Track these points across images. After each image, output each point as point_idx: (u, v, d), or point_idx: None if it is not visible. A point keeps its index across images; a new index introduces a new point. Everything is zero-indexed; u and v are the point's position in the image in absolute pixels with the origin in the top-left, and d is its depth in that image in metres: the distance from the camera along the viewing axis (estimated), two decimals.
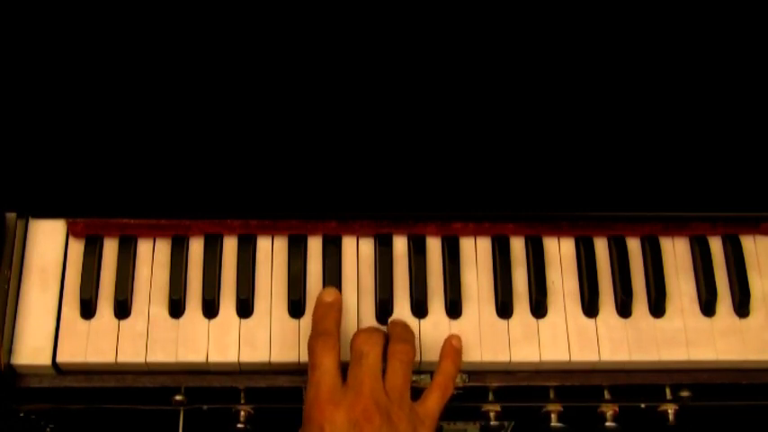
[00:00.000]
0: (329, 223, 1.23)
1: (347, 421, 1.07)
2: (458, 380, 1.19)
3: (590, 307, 1.22)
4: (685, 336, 1.21)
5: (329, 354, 1.11)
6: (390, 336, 1.16)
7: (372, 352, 1.11)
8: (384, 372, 1.12)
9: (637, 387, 1.22)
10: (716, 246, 1.25)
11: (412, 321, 1.21)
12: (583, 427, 1.26)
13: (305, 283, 1.21)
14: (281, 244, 1.23)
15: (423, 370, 1.19)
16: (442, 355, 1.17)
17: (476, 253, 1.24)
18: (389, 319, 1.19)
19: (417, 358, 1.18)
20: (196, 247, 1.22)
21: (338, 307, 1.17)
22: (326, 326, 1.14)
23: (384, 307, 1.21)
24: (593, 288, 1.21)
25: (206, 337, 1.19)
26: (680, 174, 1.25)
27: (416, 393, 1.16)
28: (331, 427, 1.07)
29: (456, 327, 1.20)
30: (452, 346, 1.17)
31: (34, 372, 1.18)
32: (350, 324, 1.20)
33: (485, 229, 1.24)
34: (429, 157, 1.25)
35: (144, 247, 1.22)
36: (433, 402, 1.14)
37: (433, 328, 1.20)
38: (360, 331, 1.14)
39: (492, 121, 1.27)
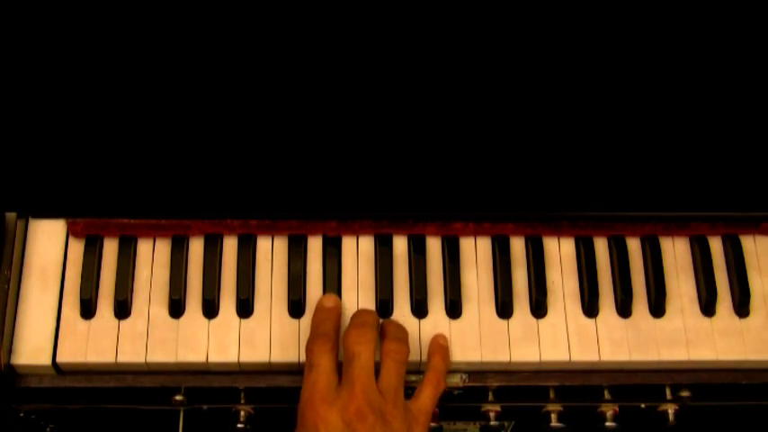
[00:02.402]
0: (329, 223, 1.23)
1: (341, 421, 1.07)
2: (458, 380, 1.19)
3: (590, 307, 1.22)
4: (685, 336, 1.21)
5: (326, 355, 1.12)
6: (384, 334, 1.16)
7: (365, 351, 1.11)
8: (378, 370, 1.12)
9: (637, 387, 1.22)
10: (716, 246, 1.25)
11: (412, 321, 1.21)
12: (583, 427, 1.26)
13: (305, 283, 1.21)
14: (281, 244, 1.23)
15: (422, 370, 1.19)
16: (430, 353, 1.18)
17: (476, 253, 1.24)
18: (383, 320, 1.19)
19: (417, 358, 1.18)
20: (196, 247, 1.22)
21: (338, 312, 1.18)
22: (325, 329, 1.15)
23: (384, 307, 1.21)
24: (593, 288, 1.21)
25: (206, 337, 1.19)
26: (680, 174, 1.25)
27: (412, 392, 1.16)
28: (325, 426, 1.07)
29: (456, 327, 1.21)
30: (439, 344, 1.18)
31: (34, 372, 1.18)
32: None
33: (485, 229, 1.24)
34: (429, 157, 1.25)
35: (144, 247, 1.22)
36: (426, 399, 1.14)
37: (433, 328, 1.20)
38: (351, 329, 1.14)
39: (492, 121, 1.27)
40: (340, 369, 1.13)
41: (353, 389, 1.09)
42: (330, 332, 1.14)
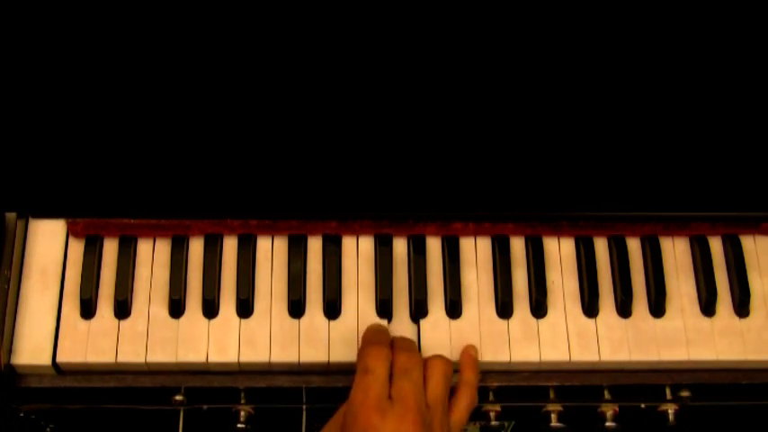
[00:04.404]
0: (329, 223, 1.23)
1: None
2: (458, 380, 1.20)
3: (590, 307, 1.22)
4: (685, 336, 1.21)
5: (383, 362, 1.11)
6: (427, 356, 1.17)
7: (416, 369, 1.11)
8: (425, 384, 1.12)
9: (637, 387, 1.22)
10: (716, 246, 1.25)
11: (411, 323, 1.21)
12: (583, 427, 1.26)
13: (305, 283, 1.21)
14: (281, 244, 1.23)
15: None
16: (462, 366, 1.17)
17: (476, 253, 1.24)
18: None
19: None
20: (196, 247, 1.22)
21: (389, 333, 1.18)
22: (381, 338, 1.15)
23: (384, 307, 1.21)
24: (593, 288, 1.21)
25: (206, 337, 1.19)
26: (680, 174, 1.25)
27: None
28: None
29: (456, 327, 1.21)
30: (471, 356, 1.18)
31: (34, 372, 1.18)
32: (350, 324, 1.20)
33: (485, 229, 1.24)
34: (429, 157, 1.25)
35: (144, 247, 1.22)
36: (461, 413, 1.14)
37: (433, 328, 1.21)
38: (401, 351, 1.14)
39: (492, 121, 1.27)
40: None
41: (408, 402, 1.08)
42: (386, 342, 1.14)
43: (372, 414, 1.07)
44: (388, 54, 1.30)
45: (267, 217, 1.22)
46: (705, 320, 1.22)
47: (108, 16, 1.29)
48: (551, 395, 1.23)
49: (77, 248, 1.22)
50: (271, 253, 1.23)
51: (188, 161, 1.24)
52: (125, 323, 1.19)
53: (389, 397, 1.09)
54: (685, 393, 1.22)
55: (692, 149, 1.27)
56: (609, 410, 1.25)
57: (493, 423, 1.24)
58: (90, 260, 1.21)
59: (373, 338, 1.15)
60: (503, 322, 1.21)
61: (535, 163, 1.25)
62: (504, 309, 1.21)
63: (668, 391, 1.22)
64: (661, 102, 1.29)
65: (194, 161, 1.24)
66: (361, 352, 1.13)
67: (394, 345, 1.15)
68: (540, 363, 1.20)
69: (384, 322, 1.20)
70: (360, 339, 1.18)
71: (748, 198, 1.25)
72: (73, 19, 1.29)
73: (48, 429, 1.29)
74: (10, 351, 1.17)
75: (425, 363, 1.14)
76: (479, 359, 1.19)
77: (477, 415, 1.25)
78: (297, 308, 1.20)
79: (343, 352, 1.18)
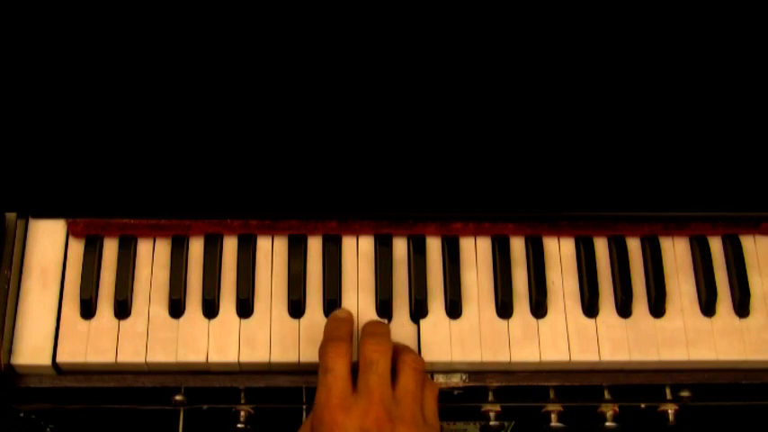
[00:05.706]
0: (329, 223, 1.23)
1: (359, 428, 1.06)
2: (458, 380, 1.19)
3: (590, 307, 1.22)
4: (685, 336, 1.21)
5: (342, 359, 1.11)
6: (396, 348, 1.16)
7: (383, 359, 1.11)
8: (395, 378, 1.12)
9: (637, 387, 1.22)
10: (716, 246, 1.25)
11: (411, 323, 1.21)
12: (583, 427, 1.26)
13: (305, 283, 1.21)
14: (281, 244, 1.23)
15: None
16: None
17: (476, 253, 1.24)
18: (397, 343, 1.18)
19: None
20: (196, 247, 1.22)
21: (351, 321, 1.18)
22: (339, 333, 1.14)
23: (384, 307, 1.21)
24: (593, 288, 1.21)
25: (206, 337, 1.19)
26: (680, 174, 1.25)
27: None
28: None
29: (456, 327, 1.21)
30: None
31: (34, 372, 1.18)
32: None
33: (485, 229, 1.24)
34: (429, 157, 1.25)
35: (144, 247, 1.22)
36: (431, 404, 1.14)
37: (433, 329, 1.20)
38: (368, 337, 1.14)
39: (492, 121, 1.27)
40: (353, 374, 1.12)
41: (372, 396, 1.08)
42: (344, 336, 1.14)
43: (337, 413, 1.07)
44: (388, 54, 1.30)
45: (267, 217, 1.22)
46: (705, 320, 1.22)
47: (108, 16, 1.29)
48: (551, 395, 1.23)
49: (77, 248, 1.22)
50: (271, 253, 1.23)
51: (188, 161, 1.24)
52: (125, 323, 1.19)
53: (355, 390, 1.09)
54: (685, 393, 1.22)
55: (691, 149, 1.27)
56: (609, 410, 1.24)
57: (493, 423, 1.24)
58: (90, 260, 1.21)
59: (332, 333, 1.14)
60: (503, 322, 1.21)
61: (535, 163, 1.25)
62: (504, 309, 1.21)
63: (668, 391, 1.22)
64: (661, 102, 1.29)
65: (194, 161, 1.24)
66: (321, 350, 1.12)
67: (362, 333, 1.15)
68: (540, 363, 1.20)
69: (384, 322, 1.20)
70: (360, 340, 1.17)
71: (748, 198, 1.25)
72: (73, 19, 1.29)
73: (48, 429, 1.29)
74: (10, 351, 1.17)
75: (397, 356, 1.13)
76: (480, 359, 1.19)
77: (477, 415, 1.25)
78: (297, 308, 1.20)
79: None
